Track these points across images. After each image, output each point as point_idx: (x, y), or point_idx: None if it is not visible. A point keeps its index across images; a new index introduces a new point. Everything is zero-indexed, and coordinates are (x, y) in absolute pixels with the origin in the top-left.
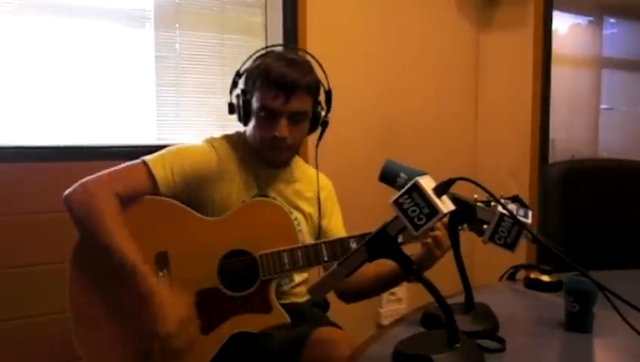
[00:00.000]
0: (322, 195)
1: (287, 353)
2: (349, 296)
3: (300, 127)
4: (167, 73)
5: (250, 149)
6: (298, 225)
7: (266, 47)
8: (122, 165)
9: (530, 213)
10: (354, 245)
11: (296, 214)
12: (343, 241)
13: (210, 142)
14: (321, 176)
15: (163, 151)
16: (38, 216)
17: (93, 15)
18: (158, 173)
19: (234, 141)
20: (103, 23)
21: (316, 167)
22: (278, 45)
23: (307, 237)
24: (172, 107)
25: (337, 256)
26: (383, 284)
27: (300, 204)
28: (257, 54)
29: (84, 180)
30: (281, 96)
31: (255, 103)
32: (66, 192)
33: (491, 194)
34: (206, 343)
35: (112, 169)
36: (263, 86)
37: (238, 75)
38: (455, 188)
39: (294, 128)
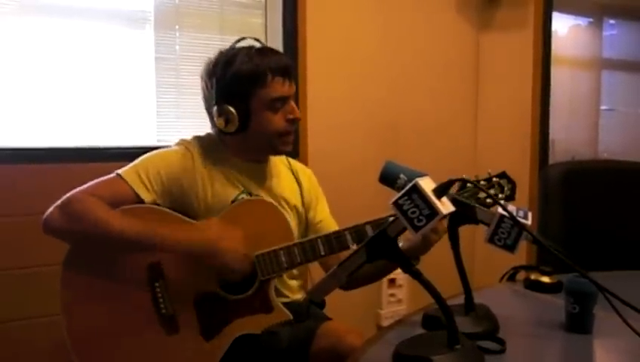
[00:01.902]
0: (305, 187)
1: (295, 349)
2: (349, 283)
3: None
4: (167, 74)
5: (227, 150)
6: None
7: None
8: (95, 181)
9: (529, 215)
10: (349, 237)
11: (283, 208)
12: (338, 234)
13: (184, 144)
14: (300, 166)
15: (135, 161)
16: (39, 218)
17: (92, 16)
18: (135, 183)
19: (208, 142)
20: (103, 24)
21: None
22: (235, 44)
23: (295, 230)
24: (172, 108)
25: (334, 250)
26: (382, 270)
27: (285, 197)
28: (220, 58)
29: (58, 201)
30: (286, 81)
31: (262, 100)
32: (45, 215)
33: (491, 196)
34: (210, 349)
35: (85, 185)
36: (268, 80)
37: (220, 81)
38: (455, 189)
39: None
